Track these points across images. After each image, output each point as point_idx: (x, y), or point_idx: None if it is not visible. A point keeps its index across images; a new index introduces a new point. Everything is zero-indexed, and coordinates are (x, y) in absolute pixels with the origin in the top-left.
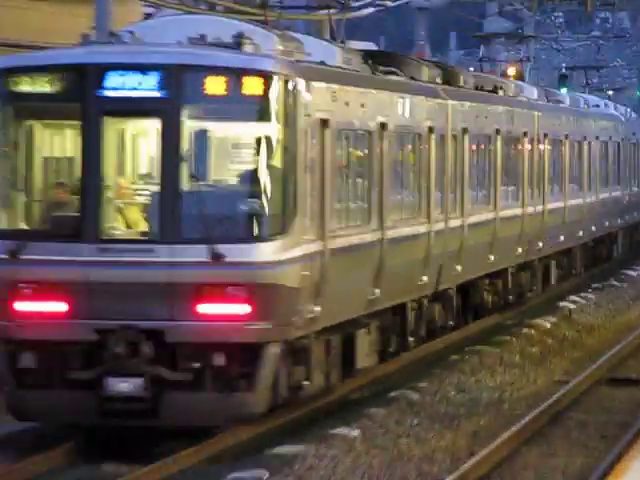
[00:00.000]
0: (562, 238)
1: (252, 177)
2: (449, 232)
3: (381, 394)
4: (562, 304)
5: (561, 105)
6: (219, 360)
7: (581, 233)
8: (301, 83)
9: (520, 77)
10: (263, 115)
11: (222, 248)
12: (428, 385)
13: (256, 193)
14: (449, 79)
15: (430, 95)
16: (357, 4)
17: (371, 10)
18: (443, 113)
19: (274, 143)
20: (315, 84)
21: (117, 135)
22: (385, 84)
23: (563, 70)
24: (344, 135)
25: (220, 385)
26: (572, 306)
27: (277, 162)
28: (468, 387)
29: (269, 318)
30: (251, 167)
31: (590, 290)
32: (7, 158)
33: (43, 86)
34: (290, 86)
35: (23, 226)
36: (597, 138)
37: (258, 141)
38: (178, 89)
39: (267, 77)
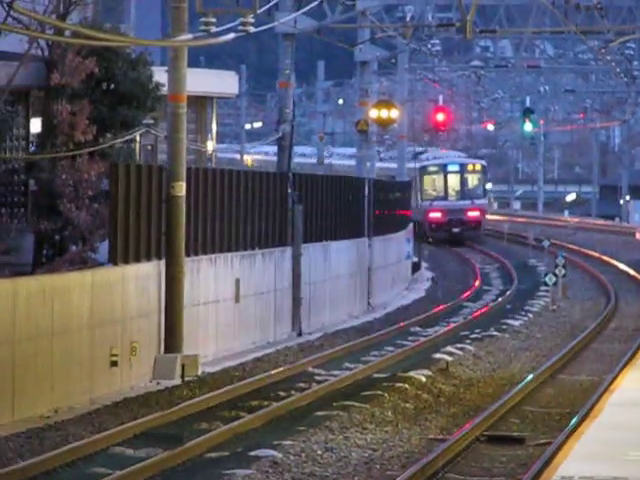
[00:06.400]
0: None
1: (474, 189)
2: None
3: (242, 453)
4: (438, 356)
5: None
6: (472, 225)
7: None
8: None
9: (393, 107)
10: (479, 175)
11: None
12: (293, 443)
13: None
14: None
15: None
16: (215, 30)
17: (232, 36)
18: None
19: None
20: None
21: (450, 178)
22: None
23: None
24: None
25: (468, 230)
26: (449, 358)
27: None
28: (336, 446)
29: (482, 219)
30: (473, 185)
31: (468, 341)
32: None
33: (434, 169)
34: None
35: (433, 196)
36: None
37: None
38: (461, 169)
39: (480, 165)
